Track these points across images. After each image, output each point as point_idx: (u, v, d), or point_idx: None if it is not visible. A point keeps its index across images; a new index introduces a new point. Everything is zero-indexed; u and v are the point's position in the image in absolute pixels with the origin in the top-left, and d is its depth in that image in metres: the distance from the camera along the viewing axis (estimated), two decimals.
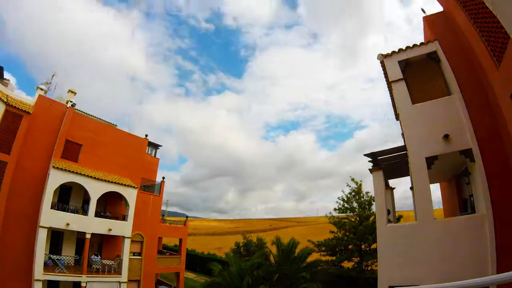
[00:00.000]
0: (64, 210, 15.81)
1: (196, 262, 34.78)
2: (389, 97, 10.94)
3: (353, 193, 22.87)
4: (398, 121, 9.94)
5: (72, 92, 20.73)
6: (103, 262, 16.55)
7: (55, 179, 15.25)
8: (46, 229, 14.55)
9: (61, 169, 15.44)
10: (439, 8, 9.84)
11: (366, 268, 21.23)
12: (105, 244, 18.39)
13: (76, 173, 15.93)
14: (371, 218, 21.15)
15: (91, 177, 16.56)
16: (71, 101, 19.53)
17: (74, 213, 16.32)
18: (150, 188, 22.22)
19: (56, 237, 16.27)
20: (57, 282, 15.16)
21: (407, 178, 11.01)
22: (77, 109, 18.75)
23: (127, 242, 17.63)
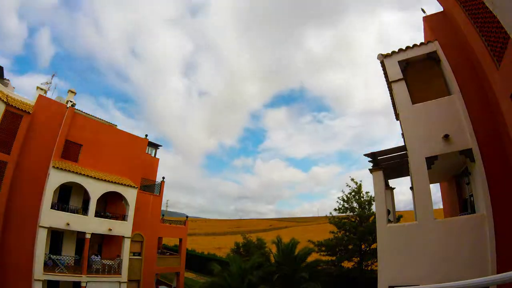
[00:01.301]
0: (64, 210, 15.82)
1: (196, 262, 34.77)
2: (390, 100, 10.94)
3: (353, 193, 22.84)
4: (398, 121, 9.93)
5: (72, 92, 20.77)
6: (103, 262, 16.54)
7: (55, 179, 15.26)
8: (46, 229, 14.55)
9: (61, 169, 15.44)
10: (439, 8, 9.85)
11: (366, 268, 21.19)
12: (105, 244, 18.38)
13: (76, 173, 15.94)
14: (371, 218, 21.11)
15: (91, 177, 16.56)
16: (71, 101, 19.55)
17: (74, 213, 16.32)
18: (150, 188, 22.24)
19: (56, 237, 16.28)
20: (57, 282, 15.16)
21: None
22: (77, 109, 18.74)
23: (127, 242, 17.63)
